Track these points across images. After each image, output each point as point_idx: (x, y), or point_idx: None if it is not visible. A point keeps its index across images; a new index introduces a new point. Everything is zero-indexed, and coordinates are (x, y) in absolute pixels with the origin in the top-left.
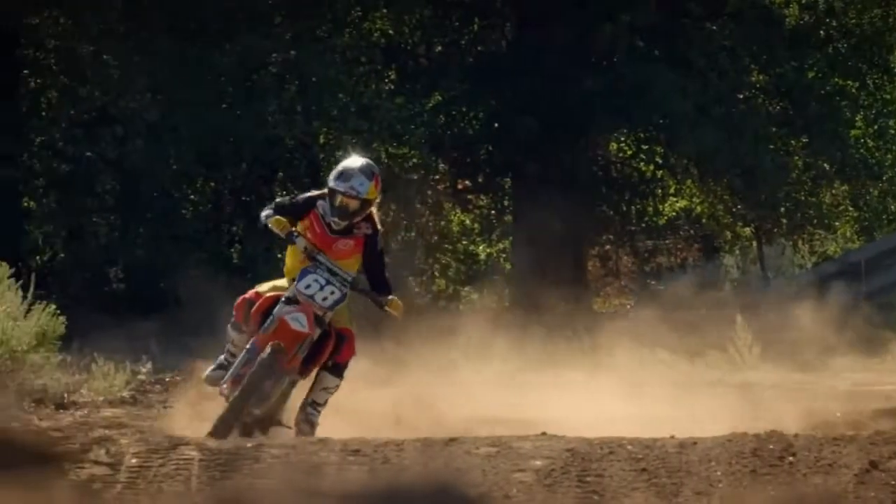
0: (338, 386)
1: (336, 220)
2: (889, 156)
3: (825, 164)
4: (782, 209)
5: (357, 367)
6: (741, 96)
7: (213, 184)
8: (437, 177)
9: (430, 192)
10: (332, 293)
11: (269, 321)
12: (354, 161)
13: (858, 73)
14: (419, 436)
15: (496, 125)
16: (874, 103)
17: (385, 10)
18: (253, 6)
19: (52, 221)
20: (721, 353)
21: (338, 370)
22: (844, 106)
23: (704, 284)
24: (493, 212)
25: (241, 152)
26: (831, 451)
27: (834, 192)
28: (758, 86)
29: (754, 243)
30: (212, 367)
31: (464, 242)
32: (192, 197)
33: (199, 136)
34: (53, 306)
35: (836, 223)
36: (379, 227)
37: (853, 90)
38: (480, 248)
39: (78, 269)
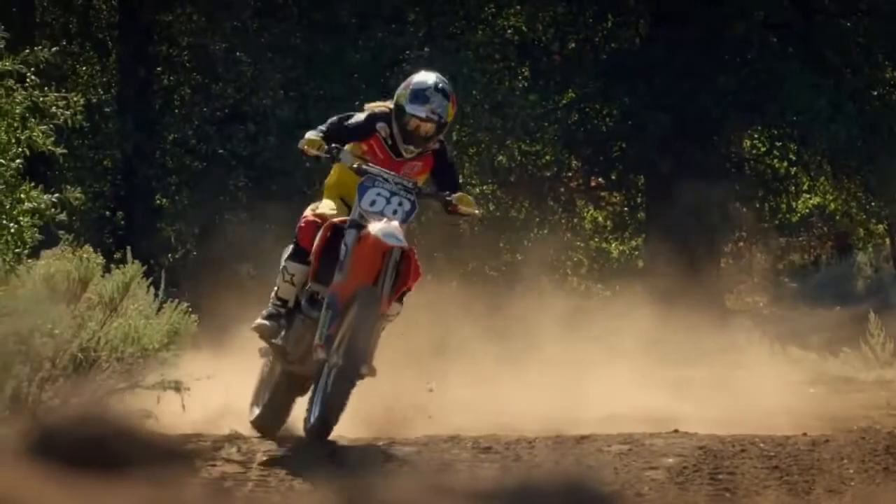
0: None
1: (410, 147)
2: None
3: None
4: None
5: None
6: (875, 93)
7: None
8: (570, 174)
9: (562, 190)
10: (401, 204)
11: (343, 256)
12: (426, 77)
13: None
14: (553, 433)
15: (629, 122)
16: None
17: (518, 7)
18: (387, 2)
19: (184, 219)
20: (855, 350)
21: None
22: None
23: (838, 282)
24: (625, 209)
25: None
26: None
27: None
28: (892, 82)
29: (888, 240)
30: (261, 316)
31: (596, 240)
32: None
33: None
34: (185, 304)
35: None
36: (446, 148)
37: None
38: (613, 245)
39: (209, 266)
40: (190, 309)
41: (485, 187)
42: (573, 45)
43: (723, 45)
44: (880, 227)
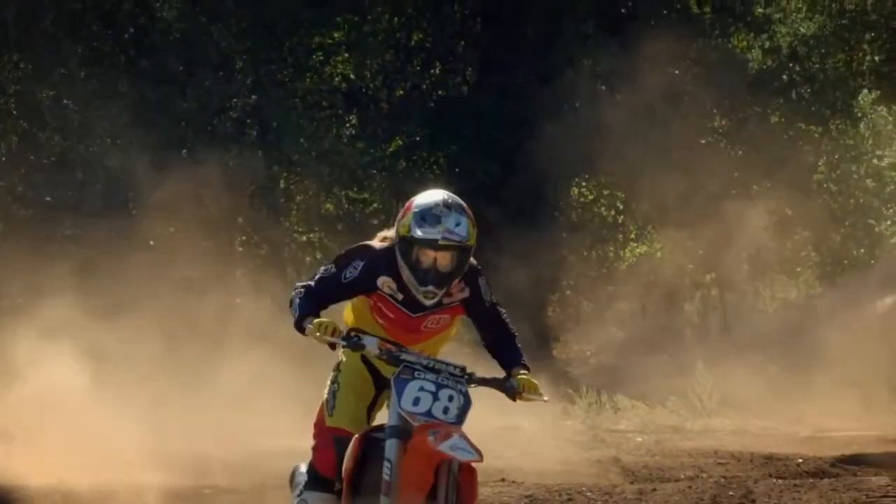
0: None
1: (430, 290)
2: (851, 201)
3: (788, 210)
4: (744, 255)
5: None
6: (703, 141)
7: (171, 229)
8: None
9: None
10: (452, 399)
11: (388, 475)
12: (430, 196)
13: (821, 118)
14: None
15: (456, 170)
16: (837, 148)
17: (346, 55)
18: (214, 50)
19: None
20: (682, 399)
21: None
22: (807, 151)
23: (666, 330)
24: None
25: (202, 197)
26: (791, 497)
27: (796, 237)
28: (720, 131)
29: (715, 290)
30: None
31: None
32: (151, 243)
33: (159, 180)
34: None
35: (798, 269)
36: (480, 272)
37: (816, 135)
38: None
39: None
40: None
41: (311, 235)
42: (401, 92)
43: (551, 93)
44: (708, 276)
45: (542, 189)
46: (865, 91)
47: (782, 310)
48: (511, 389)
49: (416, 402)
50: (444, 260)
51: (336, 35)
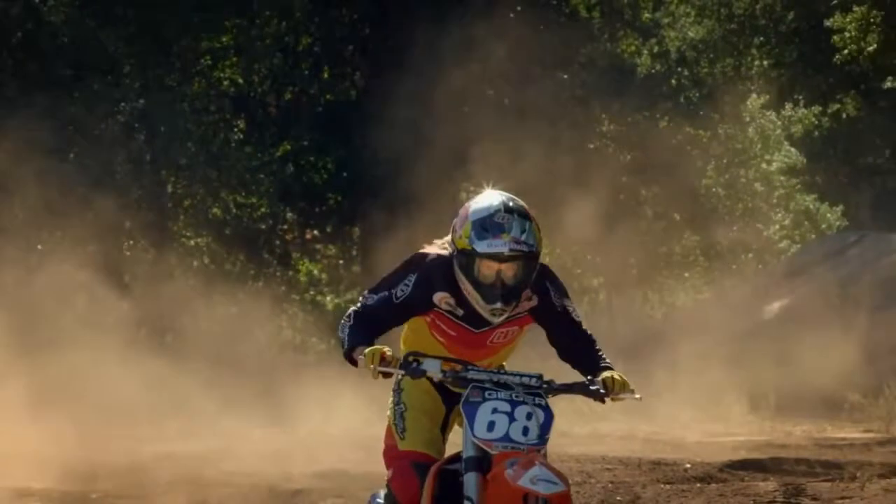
0: None
1: (497, 307)
2: (740, 205)
3: (676, 214)
4: (632, 259)
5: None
6: (592, 146)
7: (58, 233)
8: (286, 226)
9: (278, 242)
10: (531, 416)
11: None
12: (488, 200)
13: (710, 123)
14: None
15: (344, 174)
16: (725, 153)
17: (235, 59)
18: (102, 54)
19: None
20: (570, 404)
21: None
22: (696, 155)
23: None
24: (341, 262)
25: (91, 202)
26: (679, 502)
27: (685, 241)
28: (609, 135)
29: (603, 294)
30: None
31: (311, 293)
32: (38, 247)
33: (47, 185)
34: None
35: (687, 273)
36: (548, 274)
37: (704, 139)
38: (328, 298)
39: None
40: None
41: (199, 240)
42: (289, 96)
43: (439, 98)
44: (595, 280)
45: (433, 191)
46: (754, 95)
47: (670, 313)
48: (597, 391)
49: (491, 426)
50: (510, 271)
51: (224, 39)
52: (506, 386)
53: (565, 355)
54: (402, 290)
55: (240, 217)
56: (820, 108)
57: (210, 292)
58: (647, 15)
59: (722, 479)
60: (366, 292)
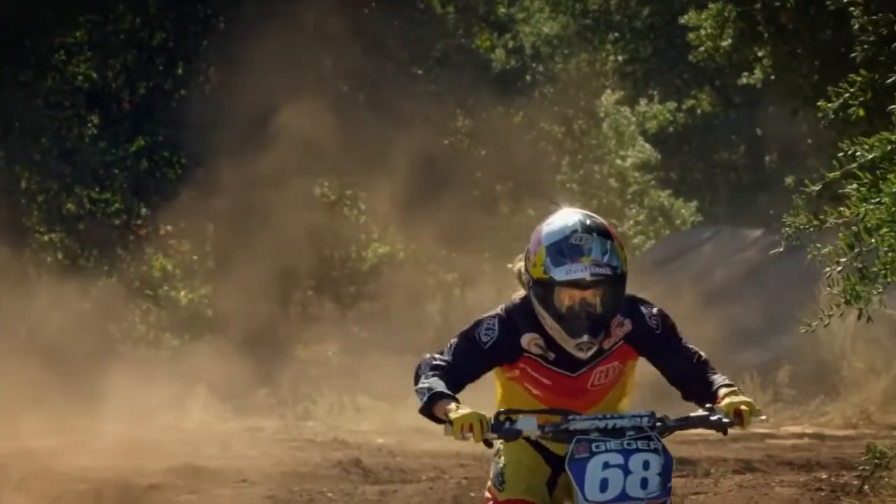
0: None
1: (584, 340)
2: (594, 202)
3: (530, 210)
4: (486, 255)
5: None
6: (447, 141)
7: None
8: (139, 222)
9: (131, 238)
10: (648, 465)
11: None
12: (563, 220)
13: (564, 119)
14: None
15: (199, 169)
16: (580, 148)
17: (89, 54)
18: None
19: None
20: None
21: None
22: (550, 151)
23: (408, 331)
24: (195, 257)
25: None
26: None
27: None
28: (463, 131)
29: (458, 289)
30: None
31: (165, 288)
32: None
33: None
34: None
35: None
36: (636, 297)
37: (559, 135)
38: (182, 293)
39: None
40: None
41: (53, 235)
42: (143, 92)
43: (293, 94)
44: (450, 276)
45: (287, 187)
46: (609, 91)
47: None
48: (720, 421)
49: (604, 485)
50: (595, 298)
51: (78, 34)
52: (614, 432)
53: (678, 383)
54: (488, 335)
55: (94, 212)
56: (675, 104)
57: (64, 287)
58: (501, 10)
59: None
60: (448, 343)
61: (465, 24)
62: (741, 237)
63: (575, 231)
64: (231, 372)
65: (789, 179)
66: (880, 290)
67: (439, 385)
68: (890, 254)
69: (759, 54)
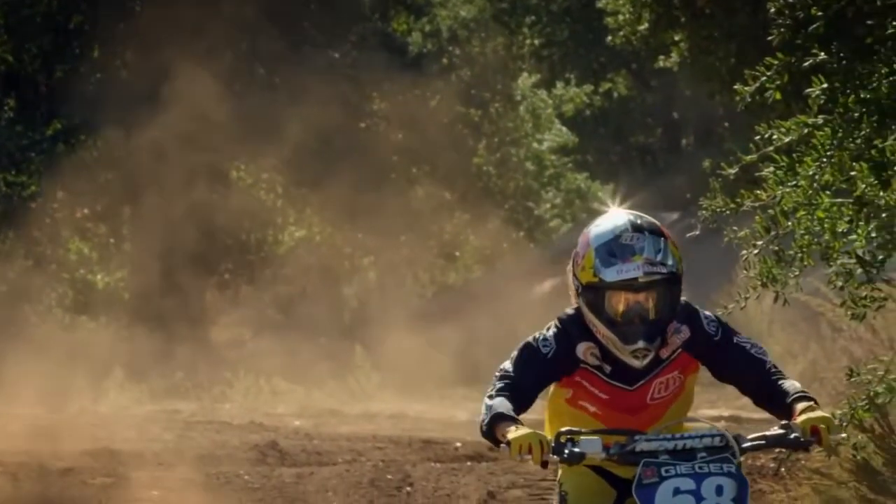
0: None
1: (639, 347)
2: (511, 184)
3: (447, 193)
4: (403, 238)
5: None
6: (363, 125)
7: None
8: (56, 205)
9: (48, 221)
10: (722, 490)
11: None
12: (613, 220)
13: (481, 102)
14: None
15: (118, 153)
16: (497, 132)
17: (6, 37)
18: None
19: None
20: (340, 383)
21: None
22: (466, 134)
23: (325, 314)
24: (111, 240)
25: None
26: (450, 480)
27: (455, 220)
28: (380, 114)
29: (374, 273)
30: None
31: (81, 271)
32: None
33: None
34: None
35: (457, 252)
36: (699, 310)
37: (476, 118)
38: (99, 276)
39: None
40: None
41: None
42: (60, 75)
43: (210, 77)
44: (366, 260)
45: (200, 172)
46: (525, 74)
47: (441, 293)
48: (800, 441)
49: None
50: (649, 301)
51: None
52: (684, 453)
53: (746, 392)
54: (546, 346)
55: (10, 195)
56: (591, 87)
57: None
58: None
59: (492, 457)
60: (512, 356)
61: (382, 7)
62: (658, 220)
63: (625, 230)
64: (147, 355)
65: (706, 163)
66: (797, 273)
67: (502, 406)
68: (806, 237)
69: (676, 38)
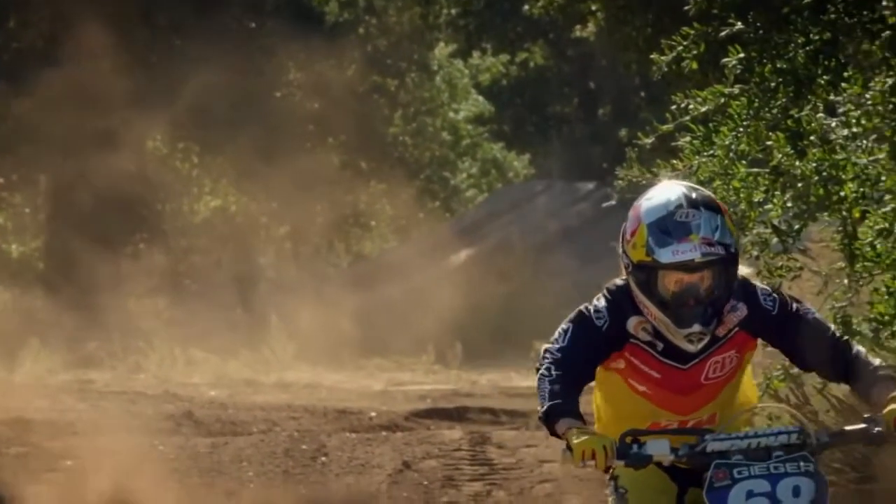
0: None
1: (695, 331)
2: (427, 154)
3: (363, 163)
4: (318, 208)
5: None
6: (279, 94)
7: None
8: None
9: None
10: (799, 491)
11: None
12: (665, 193)
13: (398, 71)
14: None
15: (34, 123)
16: (413, 101)
17: None
18: None
19: None
20: (255, 353)
21: None
22: (383, 104)
23: (240, 284)
24: (27, 210)
25: None
26: (364, 450)
27: (371, 190)
28: (296, 83)
29: (289, 243)
30: None
31: None
32: None
33: None
34: None
35: (373, 222)
36: (756, 285)
37: (392, 88)
38: (14, 246)
39: None
40: None
41: None
42: None
43: (122, 49)
44: (282, 229)
45: (116, 142)
46: (442, 44)
47: (356, 263)
48: (882, 436)
49: None
50: (706, 282)
51: None
52: (759, 452)
53: (812, 366)
54: (599, 318)
55: None
56: (508, 57)
57: None
58: None
59: (408, 427)
60: (564, 330)
61: None
62: (574, 190)
63: (679, 206)
64: (62, 325)
65: (622, 132)
66: None
67: (558, 394)
68: None
69: (593, 7)
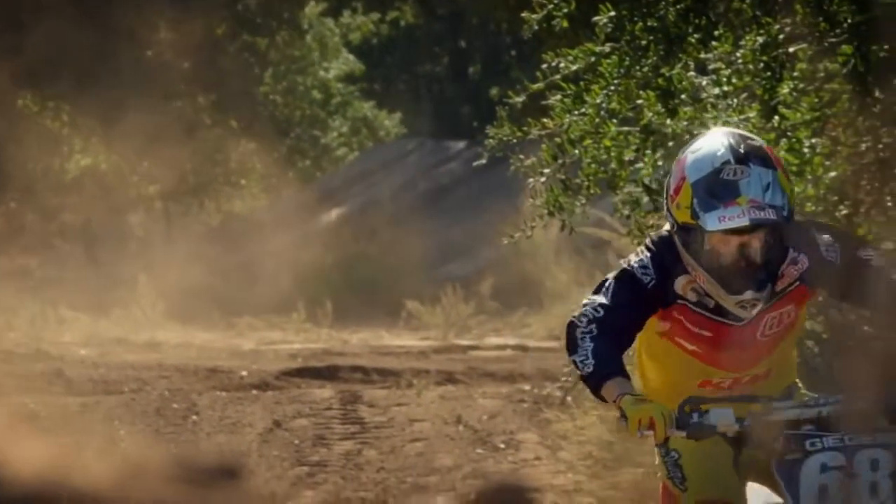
0: None
1: (748, 297)
2: (298, 113)
3: (233, 122)
4: (188, 167)
5: None
6: (150, 52)
7: None
8: None
9: None
10: (877, 464)
11: None
12: (711, 144)
13: (268, 30)
14: None
15: None
16: (283, 60)
17: None
18: None
19: None
20: (126, 311)
21: None
22: (253, 62)
23: (109, 243)
24: None
25: None
26: (235, 409)
27: (241, 149)
28: (166, 42)
29: (159, 202)
30: None
31: None
32: None
33: None
34: None
35: (243, 181)
36: (818, 230)
37: (262, 47)
38: None
39: None
40: None
41: None
42: None
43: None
44: (152, 188)
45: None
46: (312, 3)
47: (227, 222)
48: None
49: (823, 494)
50: (757, 243)
51: None
52: (831, 422)
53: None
54: (646, 274)
55: None
56: (378, 15)
57: None
58: None
59: (278, 386)
60: (603, 283)
61: None
62: (445, 149)
63: (726, 162)
64: None
65: (493, 91)
66: (583, 201)
67: (606, 355)
68: (593, 165)
69: None
